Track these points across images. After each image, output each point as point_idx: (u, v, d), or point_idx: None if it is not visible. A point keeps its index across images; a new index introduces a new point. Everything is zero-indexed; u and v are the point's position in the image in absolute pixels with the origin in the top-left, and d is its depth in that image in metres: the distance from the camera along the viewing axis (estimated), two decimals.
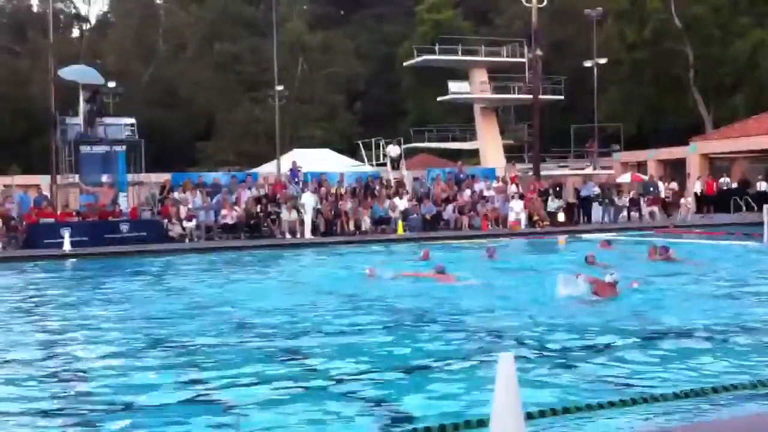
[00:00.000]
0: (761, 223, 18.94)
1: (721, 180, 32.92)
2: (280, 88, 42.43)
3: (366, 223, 24.86)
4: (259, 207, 24.85)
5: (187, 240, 22.97)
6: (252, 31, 59.52)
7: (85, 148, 24.33)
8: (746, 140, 35.55)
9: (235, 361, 7.32)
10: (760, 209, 20.29)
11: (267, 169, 36.69)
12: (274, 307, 10.51)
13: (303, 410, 5.66)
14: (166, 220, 23.43)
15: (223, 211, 24.01)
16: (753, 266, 14.21)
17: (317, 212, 24.58)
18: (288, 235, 23.71)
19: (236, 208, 24.40)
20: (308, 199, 24.15)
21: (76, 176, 24.53)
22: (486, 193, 27.97)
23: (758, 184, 32.10)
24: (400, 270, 13.69)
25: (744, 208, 30.67)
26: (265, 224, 24.51)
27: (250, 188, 26.06)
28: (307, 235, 23.50)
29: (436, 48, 43.51)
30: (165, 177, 27.13)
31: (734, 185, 32.61)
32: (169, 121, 56.58)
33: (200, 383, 6.58)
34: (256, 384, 6.43)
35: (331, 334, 8.60)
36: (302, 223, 23.74)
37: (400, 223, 25.12)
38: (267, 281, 14.46)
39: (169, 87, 60.41)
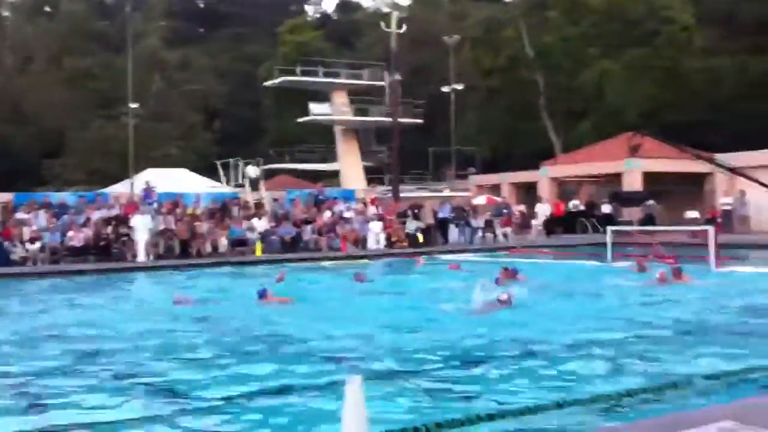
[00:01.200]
0: (605, 244, 19.80)
1: (571, 203, 34.36)
2: (134, 105, 41.04)
3: (223, 244, 24.29)
4: (109, 228, 23.79)
5: (30, 263, 21.66)
6: (105, 46, 57.41)
7: None
8: (592, 165, 37.30)
9: (78, 391, 6.83)
10: (605, 230, 21.24)
11: (119, 189, 35.26)
12: (115, 334, 9.95)
13: None
14: (7, 243, 22.01)
15: (70, 233, 22.82)
16: (596, 284, 14.71)
17: (171, 234, 23.81)
18: (140, 258, 22.82)
19: (84, 229, 23.26)
20: (138, 222, 23.23)
21: None
22: (345, 215, 27.98)
23: (603, 206, 33.73)
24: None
25: (590, 229, 32.13)
26: (116, 247, 23.46)
27: (99, 209, 24.95)
28: (141, 258, 22.61)
29: (298, 69, 43.39)
30: (8, 196, 25.59)
31: (582, 207, 34.13)
32: (15, 138, 53.57)
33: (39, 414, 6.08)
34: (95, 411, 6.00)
35: (178, 360, 8.20)
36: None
37: (258, 244, 24.69)
38: (110, 306, 13.65)
39: (15, 102, 57.21)
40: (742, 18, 50.02)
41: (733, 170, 28.60)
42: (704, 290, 13.23)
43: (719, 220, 28.55)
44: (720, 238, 18.85)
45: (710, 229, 18.08)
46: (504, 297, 10.96)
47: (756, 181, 27.51)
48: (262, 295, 12.29)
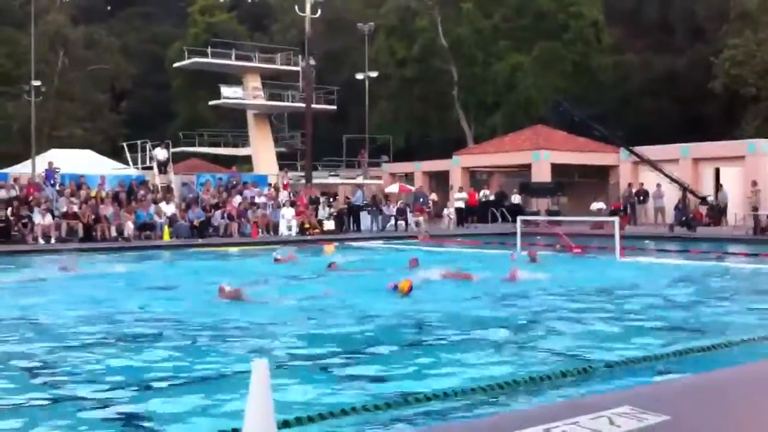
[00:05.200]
0: (515, 233, 20.10)
1: (481, 192, 34.85)
2: (37, 83, 39.49)
3: (129, 228, 23.64)
4: (9, 210, 22.86)
5: None
6: (6, 21, 54.95)
7: None
8: (502, 155, 37.94)
9: None
10: (515, 220, 21.58)
11: (20, 169, 33.89)
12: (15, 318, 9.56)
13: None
14: None
15: None
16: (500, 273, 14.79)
17: (74, 216, 23.06)
18: (41, 241, 22.03)
19: None
20: None
21: None
22: (257, 200, 27.67)
23: (513, 196, 34.34)
24: None
25: (500, 218, 32.67)
26: (16, 228, 22.57)
27: None
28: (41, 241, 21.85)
29: (209, 51, 42.56)
30: None
31: (492, 197, 34.66)
32: None
33: None
34: None
35: (75, 348, 7.91)
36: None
37: (166, 229, 24.15)
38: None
39: None
40: (646, 17, 51.74)
41: (650, 162, 29.58)
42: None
43: (622, 212, 29.41)
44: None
45: (615, 221, 18.59)
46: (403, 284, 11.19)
47: (664, 173, 28.56)
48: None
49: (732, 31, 43.66)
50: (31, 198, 23.65)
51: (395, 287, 11.26)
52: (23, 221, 22.53)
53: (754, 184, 27.30)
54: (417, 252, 17.95)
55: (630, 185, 32.08)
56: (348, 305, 10.50)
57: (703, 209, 28.95)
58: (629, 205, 31.07)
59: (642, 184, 31.74)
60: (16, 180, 25.95)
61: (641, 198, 31.45)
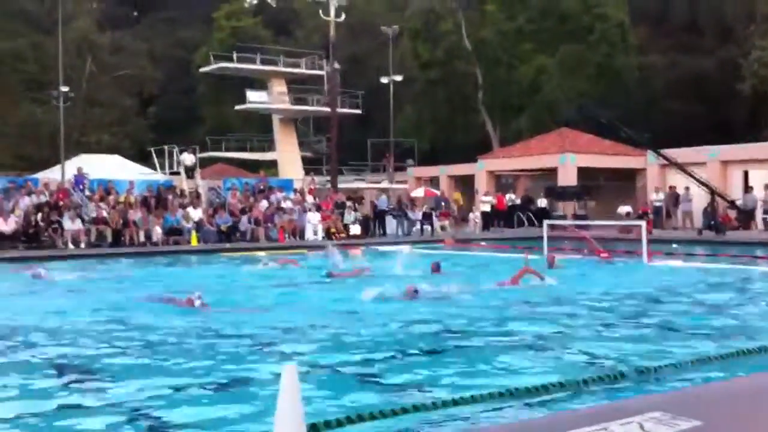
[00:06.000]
0: (541, 237, 19.99)
1: (507, 196, 34.71)
2: (65, 89, 39.93)
3: (157, 233, 23.85)
4: (39, 215, 23.17)
5: None
6: (35, 27, 55.63)
7: None
8: (528, 159, 37.77)
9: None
10: (541, 224, 21.47)
11: (50, 174, 34.31)
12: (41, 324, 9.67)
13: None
14: None
15: None
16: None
17: (103, 221, 23.32)
18: (71, 246, 22.30)
19: (13, 215, 22.59)
20: None
21: None
22: (283, 205, 27.79)
23: (539, 200, 34.17)
24: None
25: (526, 223, 32.52)
26: (46, 233, 22.86)
27: (29, 194, 24.27)
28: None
29: (234, 56, 42.86)
30: None
31: (518, 201, 34.51)
32: None
33: None
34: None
35: (102, 356, 7.98)
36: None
37: (194, 233, 24.33)
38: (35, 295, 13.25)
39: None
40: (672, 17, 51.28)
41: (678, 165, 29.26)
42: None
43: (650, 215, 29.13)
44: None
45: (642, 225, 18.48)
46: (411, 289, 11.32)
47: (693, 176, 28.24)
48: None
49: (760, 32, 43.21)
50: (61, 203, 23.95)
51: (415, 291, 11.28)
52: (53, 226, 22.82)
53: (766, 187, 27.35)
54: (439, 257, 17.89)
55: (670, 188, 31.50)
56: (355, 311, 10.52)
57: (732, 213, 28.63)
58: (668, 208, 30.63)
59: (674, 187, 31.35)
60: (46, 185, 26.32)
61: (675, 201, 31.06)
